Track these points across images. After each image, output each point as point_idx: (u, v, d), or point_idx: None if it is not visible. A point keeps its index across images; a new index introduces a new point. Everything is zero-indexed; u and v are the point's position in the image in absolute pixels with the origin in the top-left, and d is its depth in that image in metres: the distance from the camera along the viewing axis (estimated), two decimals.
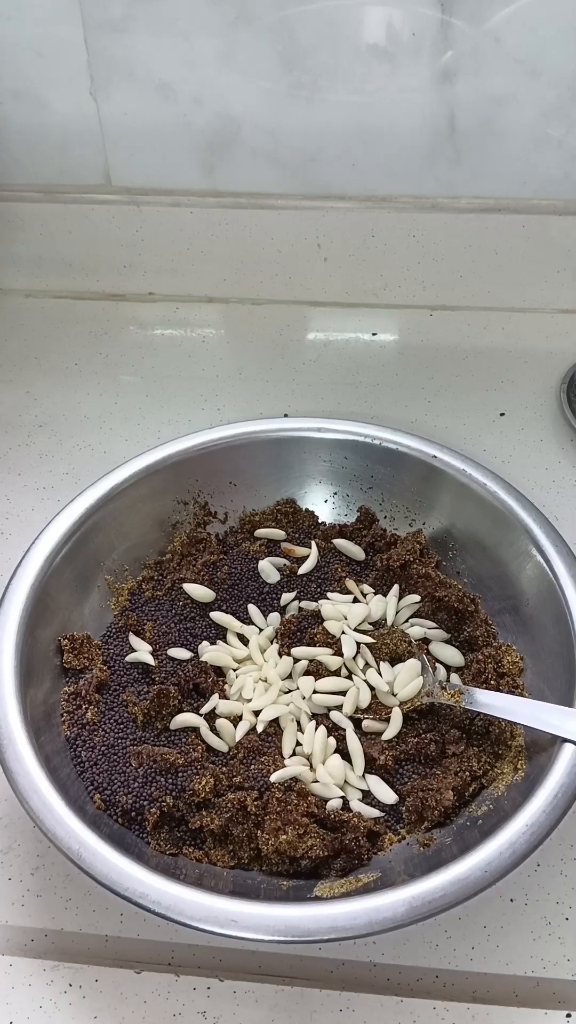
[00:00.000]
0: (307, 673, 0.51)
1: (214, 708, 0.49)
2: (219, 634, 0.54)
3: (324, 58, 0.68)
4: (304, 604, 0.54)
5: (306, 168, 0.73)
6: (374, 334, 0.77)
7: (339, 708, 0.49)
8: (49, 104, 0.72)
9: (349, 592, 0.55)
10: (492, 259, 0.75)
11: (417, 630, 0.53)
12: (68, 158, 0.75)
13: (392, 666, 0.51)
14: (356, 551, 0.57)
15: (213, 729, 0.49)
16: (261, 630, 0.54)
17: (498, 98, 0.68)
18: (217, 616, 0.54)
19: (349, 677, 0.51)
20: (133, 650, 0.52)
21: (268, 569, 0.56)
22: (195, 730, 0.49)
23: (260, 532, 0.59)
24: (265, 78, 0.69)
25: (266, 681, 0.51)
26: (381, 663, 0.51)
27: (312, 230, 0.76)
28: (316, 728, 0.48)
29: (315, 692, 0.50)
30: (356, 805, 0.46)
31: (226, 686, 0.51)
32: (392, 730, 0.48)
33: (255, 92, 0.70)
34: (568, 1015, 0.41)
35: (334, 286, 0.78)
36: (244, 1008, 0.41)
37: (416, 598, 0.54)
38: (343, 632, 0.52)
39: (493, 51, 0.66)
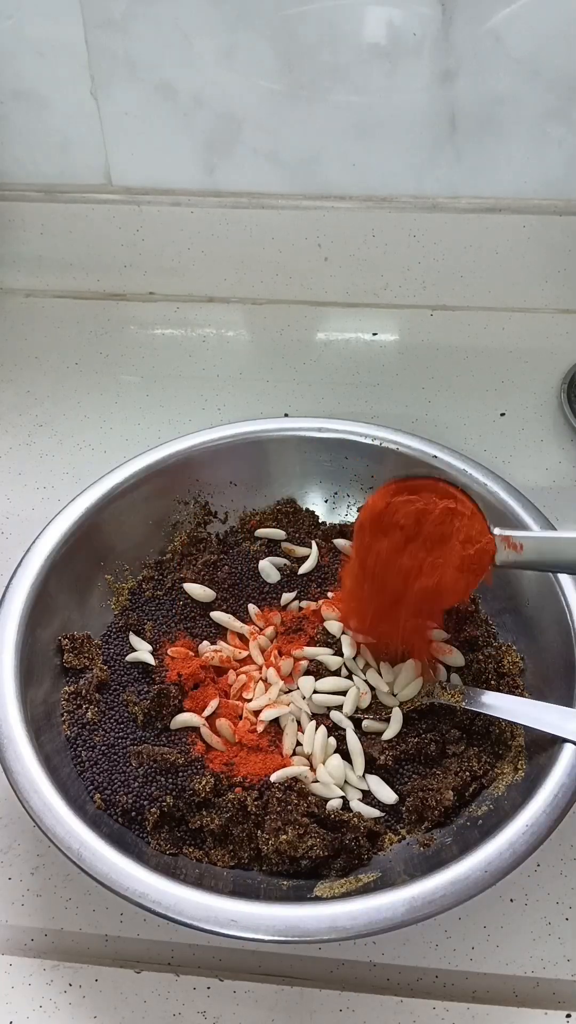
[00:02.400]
0: (307, 673, 0.51)
1: (215, 708, 0.49)
2: (219, 634, 0.54)
3: (325, 58, 0.68)
4: (304, 604, 0.54)
5: (307, 168, 0.73)
6: (374, 334, 0.77)
7: (339, 708, 0.49)
8: (49, 104, 0.72)
9: None
10: (492, 259, 0.75)
11: None
12: (68, 158, 0.75)
13: (392, 666, 0.51)
14: None
15: (213, 729, 0.49)
16: (261, 630, 0.54)
17: (498, 98, 0.68)
18: (217, 616, 0.54)
19: (349, 677, 0.51)
20: (133, 650, 0.52)
21: (268, 569, 0.56)
22: (195, 730, 0.49)
23: (260, 532, 0.59)
24: (266, 78, 0.69)
25: (266, 681, 0.51)
26: (381, 663, 0.51)
27: (313, 230, 0.76)
28: (316, 728, 0.48)
29: (315, 692, 0.50)
30: (356, 805, 0.46)
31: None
32: (392, 730, 0.48)
33: (256, 92, 0.70)
34: (568, 1015, 0.41)
35: (334, 286, 0.78)
36: (244, 1008, 0.41)
37: None
38: (343, 632, 0.52)
39: (493, 51, 0.66)
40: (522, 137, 0.70)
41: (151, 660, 0.51)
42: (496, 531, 0.46)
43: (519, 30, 0.65)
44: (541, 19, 0.64)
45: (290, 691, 0.50)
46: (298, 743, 0.48)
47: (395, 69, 0.67)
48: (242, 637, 0.53)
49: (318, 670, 0.51)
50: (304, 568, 0.56)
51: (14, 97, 0.72)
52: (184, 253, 0.78)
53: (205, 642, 0.53)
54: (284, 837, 0.43)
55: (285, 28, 0.67)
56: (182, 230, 0.77)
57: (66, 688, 0.50)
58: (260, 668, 0.52)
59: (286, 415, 0.66)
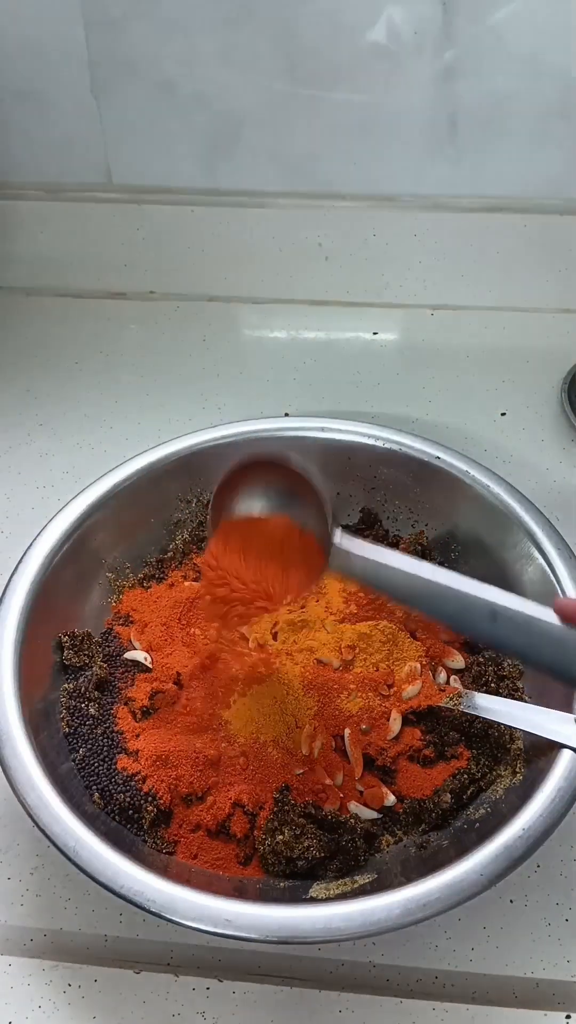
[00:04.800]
0: (308, 673, 0.51)
1: None
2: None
3: (326, 57, 0.67)
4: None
5: (307, 167, 0.73)
6: (375, 333, 0.77)
7: (338, 708, 0.49)
8: (50, 103, 0.72)
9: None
10: (493, 259, 0.75)
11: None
12: (69, 157, 0.75)
13: (392, 668, 0.51)
14: None
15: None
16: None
17: (499, 97, 0.68)
18: None
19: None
20: (133, 647, 0.52)
21: None
22: None
23: None
24: (267, 76, 0.69)
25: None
26: (381, 664, 0.51)
27: (313, 229, 0.76)
28: (315, 728, 0.48)
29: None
30: (354, 806, 0.45)
31: None
32: (391, 731, 0.48)
33: (256, 90, 0.70)
34: (568, 1016, 0.41)
35: (335, 285, 0.78)
36: (243, 1008, 0.41)
37: None
38: (343, 632, 0.52)
39: (494, 50, 0.66)
40: (523, 136, 0.69)
41: (147, 662, 0.51)
42: (336, 542, 0.43)
43: (520, 29, 0.65)
44: (542, 18, 0.64)
45: (290, 691, 0.50)
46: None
47: (396, 68, 0.67)
48: (243, 636, 0.53)
49: (318, 670, 0.51)
50: None
51: (15, 97, 0.72)
52: (185, 252, 0.78)
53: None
54: (281, 837, 0.43)
55: (286, 27, 0.67)
56: (183, 229, 0.77)
57: (66, 685, 0.50)
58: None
59: (287, 414, 0.66)
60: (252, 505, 0.44)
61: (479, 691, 0.49)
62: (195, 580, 0.55)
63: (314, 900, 0.41)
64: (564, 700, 0.45)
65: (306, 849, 0.43)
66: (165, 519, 0.58)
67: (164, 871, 0.40)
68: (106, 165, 0.75)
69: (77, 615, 0.53)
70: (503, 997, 0.42)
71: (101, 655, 0.51)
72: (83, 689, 0.49)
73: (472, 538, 0.56)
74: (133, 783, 0.45)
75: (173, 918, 0.38)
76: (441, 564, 0.56)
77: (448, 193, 0.73)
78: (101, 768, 0.46)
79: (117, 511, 0.55)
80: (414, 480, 0.57)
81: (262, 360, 0.75)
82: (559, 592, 0.49)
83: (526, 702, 0.48)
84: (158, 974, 0.42)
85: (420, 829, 0.45)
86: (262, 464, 0.44)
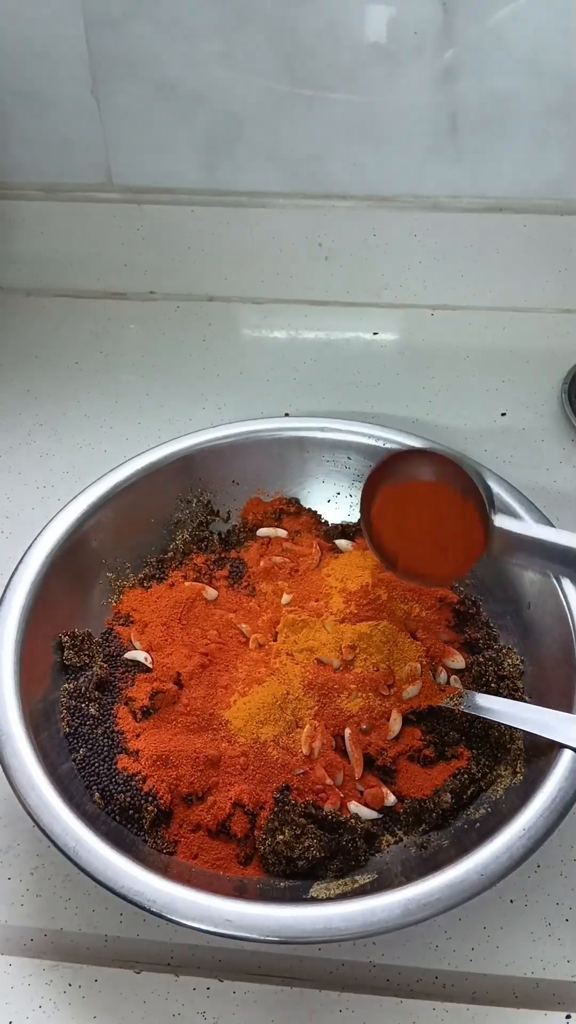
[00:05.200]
0: (308, 673, 0.51)
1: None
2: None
3: (326, 57, 0.68)
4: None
5: (307, 167, 0.73)
6: (375, 333, 0.77)
7: (338, 708, 0.49)
8: (50, 103, 0.72)
9: None
10: (493, 259, 0.75)
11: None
12: (69, 157, 0.75)
13: (392, 668, 0.51)
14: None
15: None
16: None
17: (500, 97, 0.68)
18: (219, 614, 0.54)
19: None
20: (134, 647, 0.52)
21: (270, 568, 0.56)
22: None
23: (262, 531, 0.59)
24: (267, 76, 0.69)
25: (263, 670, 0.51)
26: (381, 664, 0.51)
27: (313, 229, 0.76)
28: (315, 728, 0.48)
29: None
30: (354, 806, 0.46)
31: None
32: (391, 731, 0.48)
33: (257, 90, 0.70)
34: (568, 1016, 0.41)
35: (335, 285, 0.78)
36: (243, 1008, 0.41)
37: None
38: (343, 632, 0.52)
39: (495, 50, 0.66)
40: (523, 136, 0.70)
41: (147, 662, 0.51)
42: (497, 523, 0.45)
43: (520, 29, 0.65)
44: (542, 18, 0.64)
45: (289, 692, 0.50)
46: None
47: (396, 68, 0.67)
48: (243, 635, 0.54)
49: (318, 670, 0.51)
50: (306, 568, 0.56)
51: (15, 97, 0.72)
52: (185, 252, 0.78)
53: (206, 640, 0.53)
54: (281, 837, 0.43)
55: (286, 27, 0.67)
56: (183, 229, 0.77)
57: (66, 685, 0.50)
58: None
59: (287, 414, 0.66)
60: (415, 472, 0.46)
61: (479, 691, 0.49)
62: (195, 580, 0.55)
63: (314, 900, 0.41)
64: (564, 700, 0.46)
65: (306, 849, 0.43)
66: (165, 519, 0.58)
67: (164, 871, 0.40)
68: (106, 165, 0.75)
69: (77, 615, 0.53)
70: (503, 997, 0.42)
71: (101, 655, 0.51)
72: (83, 689, 0.49)
73: None
74: (133, 783, 0.45)
75: (173, 918, 0.38)
76: None
77: (448, 193, 0.73)
78: (101, 768, 0.46)
79: (117, 511, 0.55)
80: None
81: (262, 360, 0.75)
82: (560, 593, 0.49)
83: (526, 702, 0.48)
84: (158, 974, 0.42)
85: (420, 829, 0.45)
86: (415, 453, 0.47)
